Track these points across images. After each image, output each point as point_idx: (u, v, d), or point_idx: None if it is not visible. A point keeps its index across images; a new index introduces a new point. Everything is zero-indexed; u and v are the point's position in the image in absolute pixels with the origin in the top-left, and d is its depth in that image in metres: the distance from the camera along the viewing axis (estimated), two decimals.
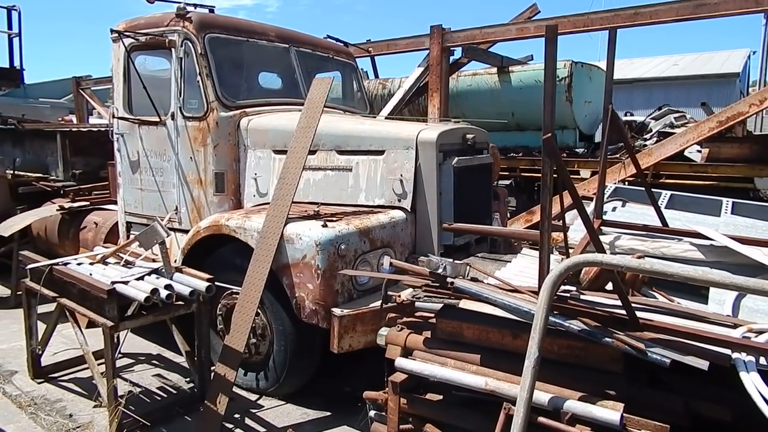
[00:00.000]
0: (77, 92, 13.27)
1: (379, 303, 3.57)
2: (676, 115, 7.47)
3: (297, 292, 3.56)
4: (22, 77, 7.81)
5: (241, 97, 4.88)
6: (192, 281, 3.41)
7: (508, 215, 6.46)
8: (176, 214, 4.78)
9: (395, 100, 7.44)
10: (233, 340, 3.45)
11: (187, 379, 4.30)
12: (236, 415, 3.77)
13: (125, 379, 4.25)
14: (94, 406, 3.87)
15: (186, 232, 4.55)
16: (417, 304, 2.94)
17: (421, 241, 4.14)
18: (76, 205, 5.96)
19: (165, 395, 4.07)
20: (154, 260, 3.98)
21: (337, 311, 3.38)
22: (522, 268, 2.92)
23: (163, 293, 3.18)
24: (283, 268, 3.60)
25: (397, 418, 2.47)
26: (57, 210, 5.83)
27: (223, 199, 4.63)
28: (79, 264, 3.82)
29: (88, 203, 6.08)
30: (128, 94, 5.08)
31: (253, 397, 4.03)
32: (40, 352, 4.15)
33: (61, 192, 6.95)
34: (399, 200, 4.09)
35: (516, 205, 7.01)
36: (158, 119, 4.74)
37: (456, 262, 2.61)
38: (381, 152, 4.16)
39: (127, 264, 3.82)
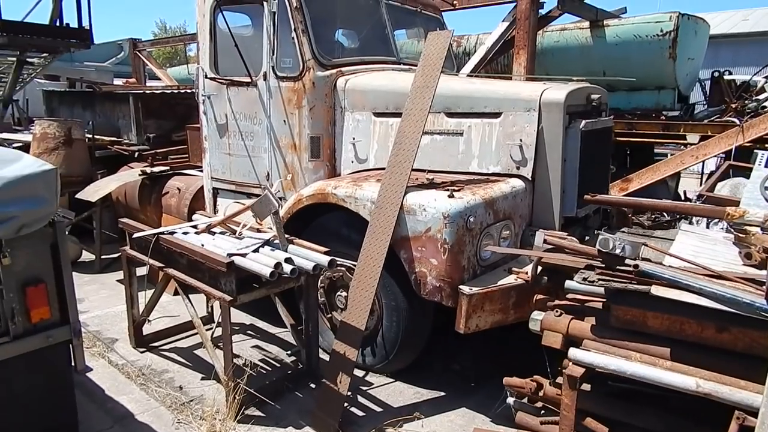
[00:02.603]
0: (134, 54, 13.19)
1: (506, 279, 3.31)
2: None
3: (417, 268, 3.31)
4: (91, 37, 7.65)
5: (335, 55, 4.56)
6: (310, 254, 3.20)
7: None
8: (267, 180, 4.58)
9: (477, 58, 6.94)
10: (352, 316, 3.25)
11: (288, 352, 4.17)
12: (347, 393, 3.61)
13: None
14: (202, 378, 3.80)
15: (278, 199, 4.34)
16: (571, 285, 2.63)
17: (540, 212, 3.80)
18: (157, 169, 5.85)
19: (269, 368, 3.96)
20: (258, 230, 3.80)
21: (465, 289, 3.12)
22: (695, 249, 2.57)
23: (287, 268, 2.97)
24: (402, 241, 3.35)
25: (574, 416, 2.21)
26: (139, 175, 5.73)
27: (319, 165, 4.38)
28: (185, 233, 3.66)
29: (168, 168, 5.95)
30: (214, 52, 4.83)
31: (359, 373, 3.87)
32: (149, 322, 4.08)
33: (135, 156, 6.89)
34: (518, 168, 3.75)
35: None
36: (249, 79, 4.48)
37: (634, 241, 2.29)
38: (497, 115, 3.79)
39: (235, 234, 3.65)
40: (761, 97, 6.13)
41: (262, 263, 2.99)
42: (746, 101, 6.23)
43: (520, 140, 3.70)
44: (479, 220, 3.28)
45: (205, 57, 4.88)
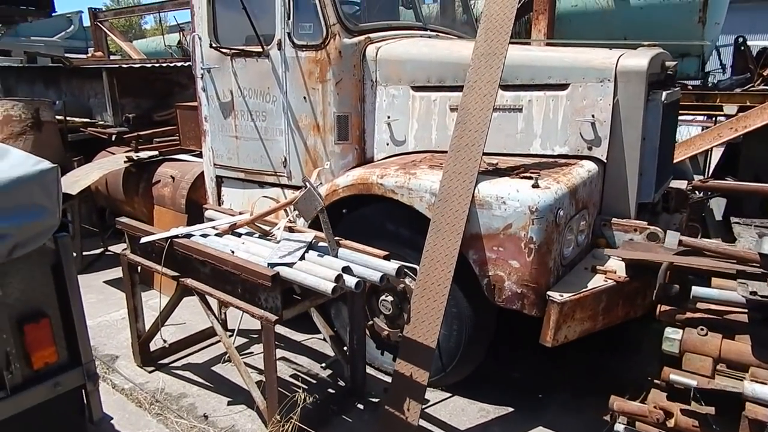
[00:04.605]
0: (95, 26, 12.03)
1: (594, 281, 2.85)
2: None
3: (492, 271, 2.81)
4: (52, 4, 6.72)
5: (362, 19, 3.93)
6: (369, 260, 2.65)
7: None
8: (285, 167, 3.97)
9: None
10: (420, 332, 2.73)
11: (323, 365, 3.65)
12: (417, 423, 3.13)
13: (252, 366, 3.58)
14: (229, 403, 3.24)
15: (297, 188, 3.75)
16: (700, 293, 2.18)
17: (612, 199, 3.33)
18: (145, 155, 5.13)
19: (306, 387, 3.42)
20: (291, 229, 3.21)
21: (556, 296, 2.64)
22: None
23: (350, 281, 2.42)
24: (471, 240, 2.83)
25: None
26: (125, 161, 5.01)
27: (347, 149, 3.79)
28: (204, 236, 3.05)
29: (157, 153, 5.24)
30: (213, 17, 4.12)
31: None
32: (165, 342, 3.47)
33: (113, 139, 6.11)
34: (589, 148, 3.25)
35: None
36: (260, 49, 3.81)
37: None
38: (564, 86, 3.27)
39: (268, 236, 3.06)
40: None
41: (319, 276, 2.43)
42: None
43: (593, 116, 3.20)
44: (566, 212, 2.79)
45: (201, 23, 4.17)
